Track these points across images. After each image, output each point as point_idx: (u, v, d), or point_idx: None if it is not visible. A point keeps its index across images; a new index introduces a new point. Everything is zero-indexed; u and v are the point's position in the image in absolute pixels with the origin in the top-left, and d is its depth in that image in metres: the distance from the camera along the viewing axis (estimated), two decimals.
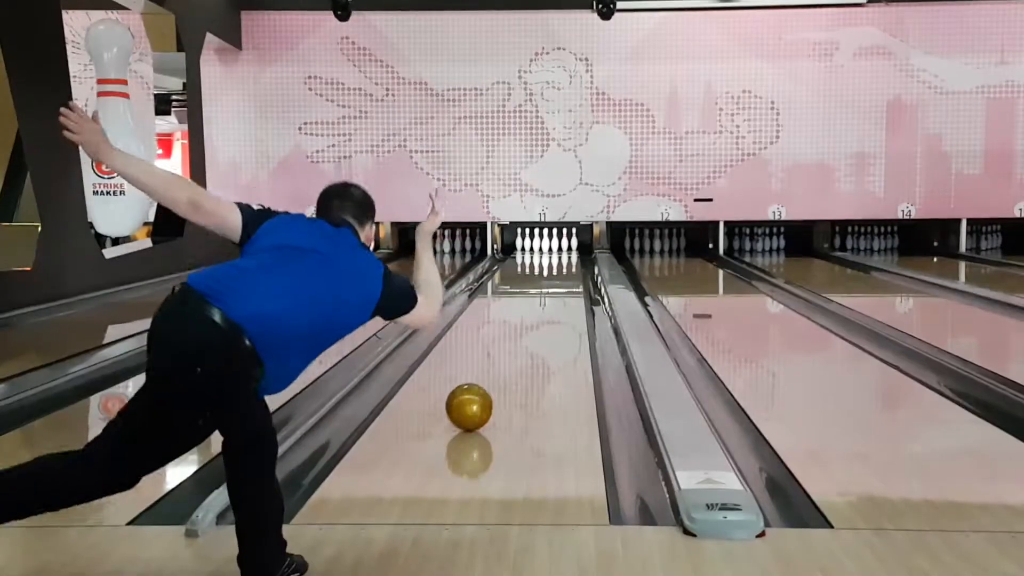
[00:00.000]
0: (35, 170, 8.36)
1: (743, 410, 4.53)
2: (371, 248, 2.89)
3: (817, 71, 13.19)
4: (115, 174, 10.56)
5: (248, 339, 2.37)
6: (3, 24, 7.80)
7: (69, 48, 9.18)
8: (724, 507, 2.98)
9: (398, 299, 2.82)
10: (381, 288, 2.70)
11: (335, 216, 2.80)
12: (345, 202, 2.85)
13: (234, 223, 2.65)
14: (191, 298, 2.40)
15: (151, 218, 11.68)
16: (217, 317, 2.35)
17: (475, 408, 4.18)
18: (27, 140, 8.28)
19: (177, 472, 3.72)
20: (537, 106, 13.44)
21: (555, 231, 14.10)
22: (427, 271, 3.06)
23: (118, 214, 10.72)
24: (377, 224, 12.01)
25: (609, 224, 13.99)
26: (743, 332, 7.84)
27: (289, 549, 2.59)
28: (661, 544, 2.86)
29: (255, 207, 2.73)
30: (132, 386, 5.46)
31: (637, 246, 14.26)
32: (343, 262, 2.65)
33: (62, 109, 2.52)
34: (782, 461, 3.72)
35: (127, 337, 6.46)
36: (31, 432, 4.50)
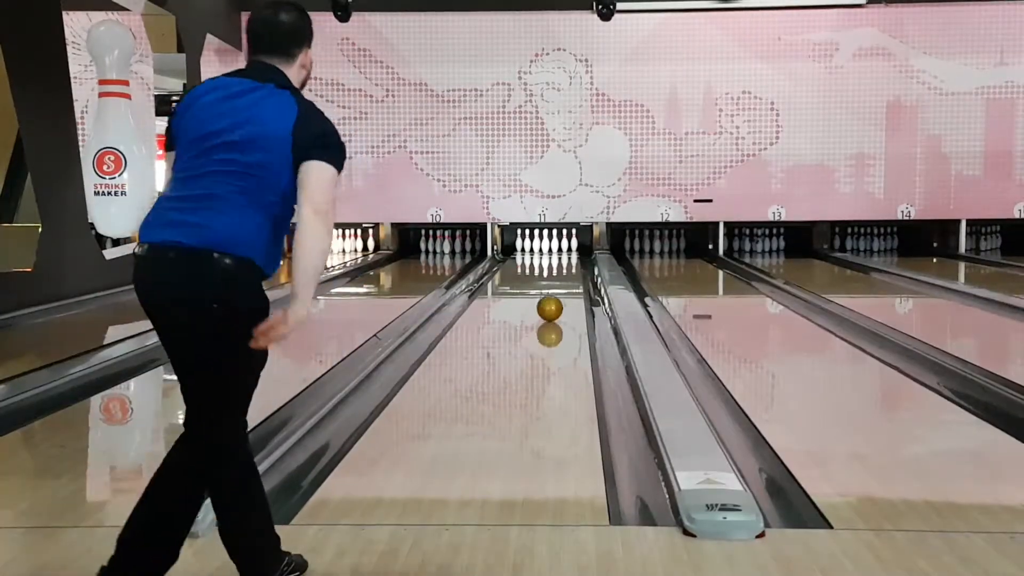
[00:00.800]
0: (35, 170, 8.36)
1: (743, 411, 4.53)
2: (307, 74, 2.71)
3: (817, 72, 13.20)
4: (116, 174, 10.48)
5: (219, 253, 2.34)
6: (3, 24, 7.80)
7: (70, 49, 9.18)
8: (724, 508, 2.98)
9: (315, 138, 2.43)
10: (292, 125, 2.42)
11: (260, 66, 2.55)
12: (274, 38, 2.60)
13: None
14: (153, 252, 2.39)
15: None
16: (177, 254, 2.34)
17: (552, 308, 7.20)
18: (27, 140, 8.28)
19: None
20: (537, 107, 13.45)
21: (555, 232, 14.10)
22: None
23: (119, 215, 10.71)
24: (377, 225, 11.82)
25: (609, 225, 13.99)
26: (743, 333, 7.84)
27: (289, 550, 2.59)
28: (661, 545, 2.86)
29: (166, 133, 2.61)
30: (133, 386, 5.47)
31: (637, 247, 14.26)
32: (250, 132, 2.41)
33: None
34: (782, 462, 3.72)
35: (127, 338, 6.46)
36: (31, 432, 4.50)
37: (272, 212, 2.44)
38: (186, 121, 2.49)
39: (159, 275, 2.39)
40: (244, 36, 2.62)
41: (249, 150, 2.39)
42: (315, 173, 2.41)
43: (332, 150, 2.46)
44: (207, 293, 2.34)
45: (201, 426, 2.45)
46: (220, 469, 2.46)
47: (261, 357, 2.46)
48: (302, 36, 2.68)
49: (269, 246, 2.44)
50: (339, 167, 2.47)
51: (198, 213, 2.37)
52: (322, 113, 2.52)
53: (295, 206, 2.44)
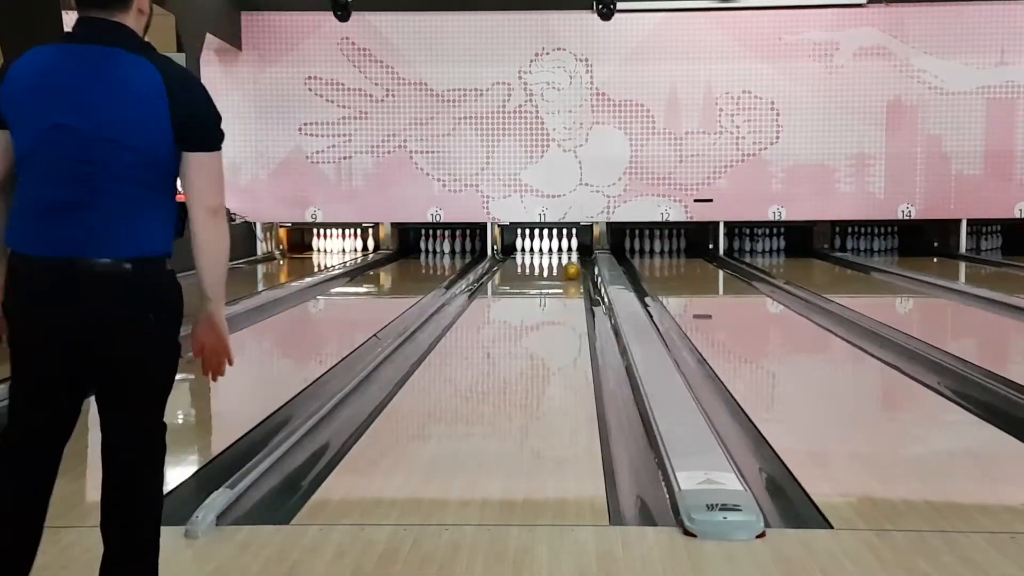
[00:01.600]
0: None
1: (743, 411, 4.53)
2: (147, 19, 2.28)
3: (817, 72, 13.19)
4: None
5: (97, 258, 2.10)
6: (3, 24, 7.80)
7: None
8: (724, 508, 2.98)
9: (193, 122, 2.19)
10: (167, 102, 2.14)
11: (97, 25, 2.18)
12: None
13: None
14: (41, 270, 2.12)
15: None
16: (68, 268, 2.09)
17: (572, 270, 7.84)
18: None
19: (177, 473, 3.72)
20: (537, 107, 13.45)
21: (555, 232, 14.10)
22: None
23: None
24: (377, 225, 11.84)
25: (609, 225, 13.99)
26: (743, 333, 7.84)
27: (289, 550, 2.59)
28: (661, 545, 2.86)
29: None
30: None
31: (637, 247, 14.26)
32: (114, 113, 2.12)
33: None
34: (782, 462, 3.72)
35: None
36: None
37: (158, 193, 2.20)
38: (25, 103, 2.14)
39: (63, 293, 2.13)
40: None
41: (121, 142, 2.12)
42: (202, 168, 2.21)
43: (212, 133, 2.24)
44: (135, 306, 2.16)
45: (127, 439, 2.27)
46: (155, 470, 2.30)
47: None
48: None
49: (167, 229, 2.24)
50: (220, 146, 2.26)
51: (87, 215, 2.12)
52: (192, 78, 2.25)
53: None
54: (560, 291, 10.67)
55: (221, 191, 2.24)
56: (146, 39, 2.26)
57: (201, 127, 2.21)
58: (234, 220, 13.04)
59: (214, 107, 2.26)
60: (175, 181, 2.24)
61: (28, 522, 2.25)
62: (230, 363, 2.32)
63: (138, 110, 2.13)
